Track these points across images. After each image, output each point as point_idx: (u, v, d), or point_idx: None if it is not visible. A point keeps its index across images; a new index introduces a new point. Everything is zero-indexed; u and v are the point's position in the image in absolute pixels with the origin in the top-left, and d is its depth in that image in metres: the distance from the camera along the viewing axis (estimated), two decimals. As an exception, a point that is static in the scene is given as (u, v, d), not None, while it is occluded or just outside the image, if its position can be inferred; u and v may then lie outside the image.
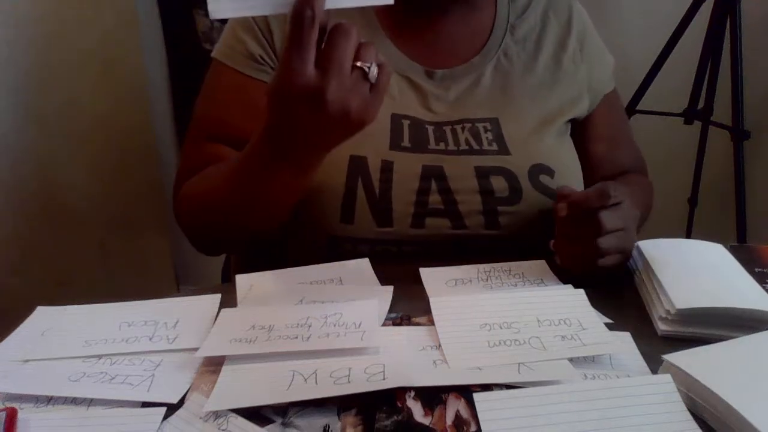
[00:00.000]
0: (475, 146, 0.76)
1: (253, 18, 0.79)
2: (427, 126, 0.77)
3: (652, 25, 1.69)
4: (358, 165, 0.73)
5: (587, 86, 0.86)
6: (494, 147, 0.77)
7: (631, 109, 1.62)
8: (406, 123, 0.77)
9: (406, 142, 0.75)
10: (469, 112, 0.79)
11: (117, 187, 1.53)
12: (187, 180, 0.80)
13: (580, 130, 0.87)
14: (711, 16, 1.54)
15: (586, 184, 0.83)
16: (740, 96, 1.52)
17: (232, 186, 0.68)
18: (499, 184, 0.75)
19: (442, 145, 0.76)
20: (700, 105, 1.63)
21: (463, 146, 0.76)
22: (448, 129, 0.78)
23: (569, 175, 0.79)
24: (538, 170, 0.76)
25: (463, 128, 0.78)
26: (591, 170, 0.86)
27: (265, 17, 0.79)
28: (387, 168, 0.73)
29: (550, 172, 0.77)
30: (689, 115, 1.65)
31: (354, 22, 0.79)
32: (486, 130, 0.77)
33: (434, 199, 0.74)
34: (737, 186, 1.56)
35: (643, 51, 1.63)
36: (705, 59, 1.58)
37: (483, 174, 0.75)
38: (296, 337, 0.57)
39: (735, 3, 1.49)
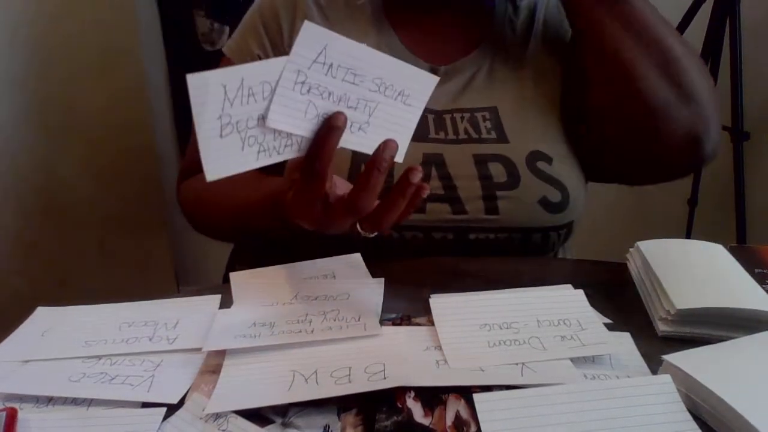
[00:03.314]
0: (474, 135, 0.78)
1: (260, 18, 0.82)
2: (427, 115, 0.79)
3: (651, 26, 1.69)
4: (361, 154, 0.74)
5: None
6: (493, 135, 0.77)
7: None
8: None
9: None
10: (469, 103, 0.80)
11: (117, 188, 1.53)
12: (185, 178, 0.85)
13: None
14: (710, 17, 1.55)
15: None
16: (740, 97, 1.52)
17: (234, 216, 0.76)
18: (496, 170, 0.75)
19: (441, 134, 0.78)
20: (700, 106, 1.63)
21: (462, 135, 0.78)
22: (447, 118, 0.79)
23: (567, 162, 0.79)
24: (536, 157, 0.77)
25: (462, 118, 0.79)
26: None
27: (276, 15, 0.80)
28: None
29: (547, 159, 0.77)
30: (689, 115, 1.65)
31: (364, 20, 0.81)
32: (485, 119, 0.79)
33: (434, 184, 0.75)
34: (737, 187, 1.56)
35: (642, 52, 1.62)
36: (704, 60, 1.58)
37: (481, 161, 0.76)
38: (300, 332, 0.58)
39: (734, 4, 1.49)
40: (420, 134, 0.77)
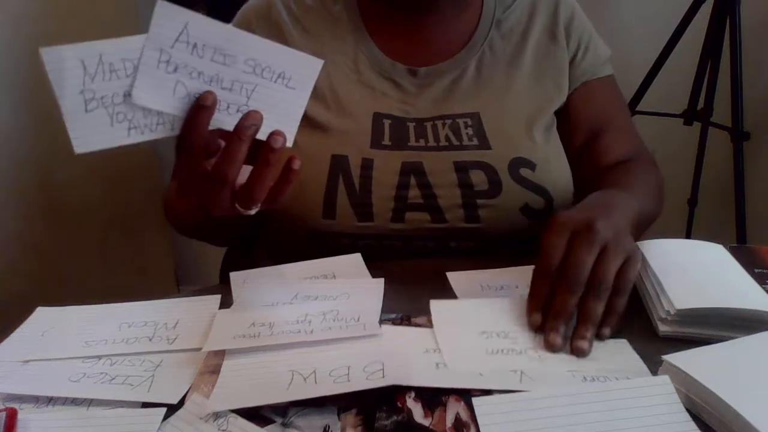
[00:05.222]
0: (455, 142, 0.77)
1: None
2: (408, 123, 0.78)
3: (651, 26, 1.69)
4: (339, 163, 0.74)
5: (569, 71, 0.83)
6: (474, 142, 0.77)
7: (631, 109, 1.62)
8: (387, 122, 0.77)
9: (386, 141, 0.76)
10: (451, 108, 0.79)
11: (117, 188, 1.53)
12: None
13: (561, 120, 0.84)
14: (710, 17, 1.54)
15: (576, 178, 0.81)
16: (740, 97, 1.52)
17: (182, 213, 0.77)
18: (478, 177, 0.75)
19: (422, 142, 0.77)
20: (700, 106, 1.63)
21: (443, 142, 0.77)
22: (428, 125, 0.78)
23: (551, 168, 0.78)
24: (519, 163, 0.76)
25: (443, 124, 0.78)
26: (578, 164, 0.83)
27: (251, 32, 0.81)
28: (367, 165, 0.74)
29: (530, 165, 0.76)
30: (689, 116, 1.65)
31: (341, 26, 0.80)
32: (467, 126, 0.77)
33: (414, 193, 0.74)
34: (737, 187, 1.56)
35: (642, 52, 1.63)
36: (705, 60, 1.58)
37: (462, 168, 0.75)
38: (299, 332, 0.58)
39: (734, 4, 1.49)
40: (399, 142, 0.76)
